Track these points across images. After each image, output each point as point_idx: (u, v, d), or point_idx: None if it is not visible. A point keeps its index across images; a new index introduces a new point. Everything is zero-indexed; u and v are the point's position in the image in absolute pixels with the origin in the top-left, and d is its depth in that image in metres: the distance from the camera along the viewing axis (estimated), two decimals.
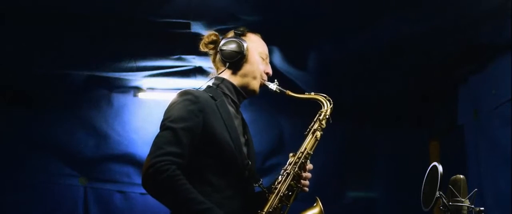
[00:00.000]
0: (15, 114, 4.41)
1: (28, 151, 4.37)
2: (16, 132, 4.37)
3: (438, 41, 3.55)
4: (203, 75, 4.13)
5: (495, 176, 3.59)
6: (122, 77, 4.29)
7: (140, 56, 3.93)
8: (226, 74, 2.14)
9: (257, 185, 2.04)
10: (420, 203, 2.13)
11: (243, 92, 2.14)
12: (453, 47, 3.64)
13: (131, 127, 4.57)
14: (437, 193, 2.00)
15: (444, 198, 2.01)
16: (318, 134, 2.12)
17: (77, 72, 4.23)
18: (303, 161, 2.06)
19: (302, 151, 2.08)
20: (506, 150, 3.42)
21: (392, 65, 3.96)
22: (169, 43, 3.72)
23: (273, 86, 2.17)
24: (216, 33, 2.20)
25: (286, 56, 3.85)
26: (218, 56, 2.16)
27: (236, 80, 2.13)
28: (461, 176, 2.03)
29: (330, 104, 2.18)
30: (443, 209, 2.02)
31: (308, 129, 2.14)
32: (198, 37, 2.24)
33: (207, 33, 2.20)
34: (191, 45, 2.46)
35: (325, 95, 2.21)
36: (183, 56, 3.89)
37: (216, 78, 2.15)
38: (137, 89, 4.57)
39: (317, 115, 2.16)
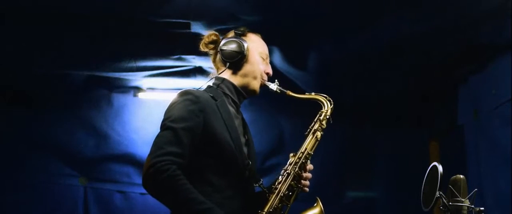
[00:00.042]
0: (15, 114, 4.41)
1: (28, 151, 4.37)
2: (16, 132, 4.37)
3: (438, 41, 3.56)
4: (203, 75, 4.13)
5: (495, 176, 3.59)
6: (122, 77, 4.29)
7: (140, 56, 3.93)
8: (227, 74, 2.14)
9: (257, 185, 2.04)
10: (420, 203, 2.13)
11: (243, 92, 2.14)
12: (453, 47, 3.64)
13: (131, 127, 4.57)
14: (437, 193, 2.00)
15: (444, 198, 2.01)
16: (319, 134, 2.12)
17: (77, 72, 4.23)
18: (303, 161, 2.06)
19: (302, 151, 2.08)
20: (506, 150, 3.42)
21: (392, 65, 3.96)
22: (169, 43, 3.72)
23: (274, 86, 2.17)
24: (216, 33, 2.20)
25: (286, 56, 3.85)
26: (218, 56, 2.16)
27: (236, 80, 2.13)
28: (461, 176, 2.03)
29: (331, 104, 2.18)
30: (443, 209, 2.02)
31: (309, 129, 2.14)
32: (198, 37, 2.24)
33: (207, 33, 2.20)
34: (191, 45, 2.46)
35: (325, 95, 2.21)
36: (183, 56, 3.89)
37: (217, 78, 2.15)
38: (137, 89, 4.57)
39: (318, 115, 2.16)
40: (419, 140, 4.82)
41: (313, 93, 2.22)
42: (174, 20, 3.40)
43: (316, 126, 2.14)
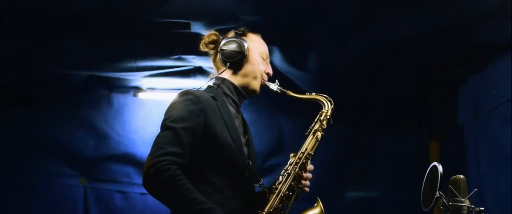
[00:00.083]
0: (15, 114, 4.42)
1: (28, 151, 4.37)
2: (16, 132, 4.37)
3: (438, 41, 3.56)
4: (203, 75, 4.13)
5: (495, 176, 3.59)
6: (122, 77, 4.29)
7: (140, 56, 3.93)
8: (227, 74, 2.14)
9: (257, 185, 2.04)
10: (420, 203, 2.13)
11: (243, 92, 2.13)
12: (453, 47, 3.64)
13: (131, 127, 4.57)
14: (437, 193, 2.00)
15: (444, 198, 2.01)
16: (319, 134, 2.12)
17: (77, 72, 4.23)
18: (303, 161, 2.06)
19: (303, 151, 2.08)
20: (506, 150, 3.42)
21: (392, 65, 3.96)
22: (169, 43, 3.72)
23: (274, 86, 2.17)
24: (217, 33, 2.20)
25: (286, 56, 3.85)
26: (218, 56, 2.16)
27: (236, 80, 2.13)
28: (461, 176, 2.03)
29: (331, 105, 2.18)
30: (443, 209, 2.02)
31: (309, 129, 2.14)
32: (198, 37, 2.24)
33: (208, 33, 2.20)
34: (191, 45, 2.46)
35: (326, 95, 2.21)
36: (183, 56, 3.89)
37: (217, 78, 2.15)
38: (137, 89, 4.57)
39: (318, 115, 2.16)
40: (419, 140, 4.83)
41: (313, 94, 2.22)
42: (174, 20, 3.40)
43: (316, 126, 2.13)
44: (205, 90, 2.07)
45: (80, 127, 4.50)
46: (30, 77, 4.20)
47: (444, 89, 4.32)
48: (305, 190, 2.07)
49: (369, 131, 4.89)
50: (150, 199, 1.99)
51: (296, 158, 2.07)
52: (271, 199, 1.99)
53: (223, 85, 2.11)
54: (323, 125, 2.14)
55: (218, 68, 2.18)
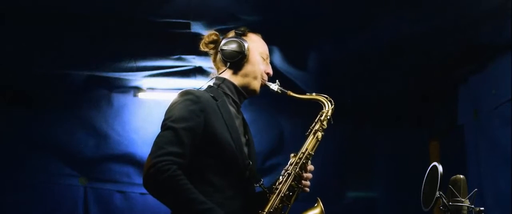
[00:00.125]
0: (15, 114, 4.42)
1: (28, 151, 4.37)
2: (16, 132, 4.37)
3: (438, 41, 3.56)
4: (203, 75, 4.13)
5: (495, 176, 3.59)
6: (122, 77, 4.29)
7: (140, 56, 3.93)
8: (227, 74, 2.14)
9: (258, 185, 2.04)
10: (420, 203, 2.13)
11: (244, 92, 2.13)
12: (453, 47, 3.64)
13: (131, 127, 4.57)
14: (437, 193, 2.00)
15: (444, 198, 2.01)
16: (319, 134, 2.12)
17: (77, 72, 4.23)
18: (304, 161, 2.06)
19: (303, 151, 2.08)
20: (506, 150, 3.42)
21: (392, 65, 3.97)
22: (169, 43, 3.72)
23: (275, 86, 2.17)
24: (217, 33, 2.20)
25: (286, 56, 3.85)
26: (218, 56, 2.16)
27: (237, 80, 2.12)
28: (461, 176, 2.03)
29: (332, 105, 2.18)
30: (443, 209, 2.02)
31: (309, 130, 2.14)
32: (198, 37, 2.24)
33: (208, 33, 2.20)
34: (191, 45, 2.47)
35: (326, 96, 2.21)
36: (183, 56, 3.89)
37: (217, 78, 2.15)
38: (137, 89, 4.57)
39: (318, 116, 2.16)
40: (419, 140, 4.83)
41: (314, 94, 2.22)
42: (174, 20, 3.40)
43: (317, 126, 2.13)
44: (206, 90, 2.07)
45: (80, 127, 4.50)
46: (30, 77, 4.20)
47: (444, 89, 4.32)
48: (305, 190, 2.07)
49: (369, 131, 4.89)
50: (150, 199, 1.99)
51: (297, 158, 2.07)
52: (271, 199, 1.99)
53: (223, 85, 2.11)
54: (323, 125, 2.14)
55: (218, 68, 2.18)
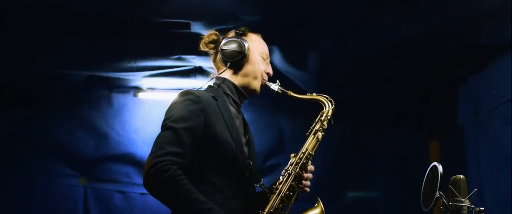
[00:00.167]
0: (15, 114, 4.42)
1: (28, 151, 4.37)
2: (16, 132, 4.37)
3: (438, 41, 3.56)
4: (203, 75, 4.13)
5: (495, 176, 3.59)
6: (122, 77, 4.29)
7: (140, 56, 3.93)
8: (227, 74, 2.14)
9: (258, 185, 2.04)
10: (420, 203, 2.13)
11: (244, 92, 2.13)
12: (453, 47, 3.64)
13: (131, 127, 4.57)
14: (437, 193, 2.00)
15: (444, 198, 2.01)
16: (320, 134, 2.12)
17: (77, 72, 4.23)
18: (304, 161, 2.06)
19: (303, 151, 2.08)
20: (506, 150, 3.42)
21: (392, 65, 3.97)
22: (169, 43, 3.72)
23: (275, 87, 2.17)
24: (217, 32, 2.20)
25: (286, 56, 3.85)
26: (218, 56, 2.16)
27: (237, 80, 2.12)
28: (461, 176, 2.03)
29: (332, 105, 2.18)
30: (443, 209, 2.02)
31: (310, 130, 2.14)
32: (198, 37, 2.24)
33: (208, 33, 2.20)
34: (191, 45, 2.46)
35: (327, 96, 2.21)
36: (183, 56, 3.89)
37: (217, 78, 2.15)
38: (137, 89, 4.57)
39: (319, 116, 2.16)
40: (419, 140, 4.83)
41: (314, 94, 2.22)
42: (174, 20, 3.40)
43: (317, 127, 2.13)
44: (206, 90, 2.07)
45: (80, 127, 4.50)
46: (30, 77, 4.20)
47: (444, 89, 4.32)
48: (305, 190, 2.07)
49: (369, 131, 4.89)
50: (150, 199, 1.99)
51: (297, 158, 2.07)
52: (271, 199, 1.99)
53: (223, 85, 2.11)
54: (324, 125, 2.14)
55: (218, 68, 2.18)
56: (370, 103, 4.62)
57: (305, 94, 2.22)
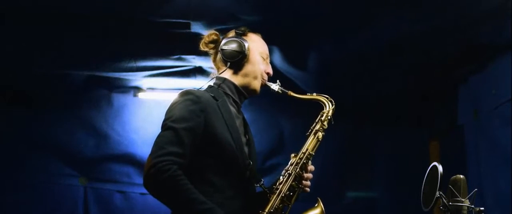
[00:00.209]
0: (15, 114, 4.42)
1: (28, 151, 4.37)
2: (16, 132, 4.37)
3: (438, 41, 3.56)
4: (203, 75, 4.13)
5: (495, 176, 3.59)
6: (122, 77, 4.29)
7: (140, 56, 3.93)
8: (227, 74, 2.14)
9: (258, 185, 2.04)
10: (420, 203, 2.13)
11: (244, 92, 2.13)
12: (453, 47, 3.64)
13: (131, 127, 4.57)
14: (437, 193, 2.00)
15: (444, 198, 2.01)
16: (320, 134, 2.12)
17: (77, 72, 4.23)
18: (304, 161, 2.06)
19: (303, 151, 2.08)
20: (506, 150, 3.42)
21: (392, 65, 3.97)
22: (169, 43, 3.72)
23: (275, 87, 2.17)
24: (217, 32, 2.20)
25: (286, 56, 3.85)
26: (218, 55, 2.16)
27: (237, 80, 2.12)
28: (461, 176, 2.03)
29: (332, 105, 2.18)
30: (443, 209, 2.02)
31: (310, 130, 2.14)
32: (198, 37, 2.24)
33: (208, 33, 2.20)
34: (191, 45, 2.46)
35: (327, 96, 2.21)
36: (183, 56, 3.89)
37: (217, 78, 2.15)
38: (137, 89, 4.57)
39: (319, 116, 2.16)
40: (419, 140, 4.83)
41: (314, 94, 2.22)
42: (174, 20, 3.40)
43: (317, 127, 2.13)
44: (206, 90, 2.07)
45: (80, 127, 4.50)
46: (30, 77, 4.20)
47: (444, 89, 4.32)
48: (305, 190, 2.07)
49: (369, 131, 4.89)
50: (150, 199, 1.99)
51: (297, 158, 2.07)
52: (272, 199, 1.99)
53: (223, 85, 2.11)
54: (324, 125, 2.14)
55: (218, 68, 2.18)
56: (370, 103, 4.62)
57: (305, 94, 2.22)
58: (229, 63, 2.12)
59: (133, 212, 4.50)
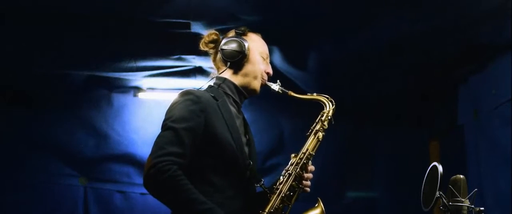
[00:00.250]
0: (15, 114, 4.42)
1: (28, 151, 4.37)
2: (16, 132, 4.37)
3: (438, 41, 3.56)
4: (203, 75, 4.14)
5: (495, 176, 3.59)
6: (122, 77, 4.29)
7: (140, 56, 3.93)
8: (227, 74, 2.14)
9: (258, 185, 2.04)
10: (420, 203, 2.13)
11: (244, 92, 2.13)
12: (453, 47, 3.64)
13: (131, 127, 4.57)
14: (437, 193, 2.00)
15: (444, 198, 2.01)
16: (320, 134, 2.11)
17: (77, 72, 4.23)
18: (305, 161, 2.06)
19: (304, 151, 2.08)
20: (506, 150, 3.42)
21: (392, 65, 3.97)
22: (169, 43, 3.72)
23: (276, 87, 2.17)
24: (217, 32, 2.20)
25: (286, 56, 3.85)
26: (218, 55, 2.16)
27: (237, 80, 2.12)
28: (461, 176, 2.03)
29: (332, 105, 2.18)
30: (443, 209, 2.02)
31: (310, 130, 2.14)
32: (198, 37, 2.24)
33: (208, 33, 2.20)
34: (191, 45, 2.46)
35: (327, 96, 2.21)
36: (183, 56, 3.89)
37: (218, 78, 2.14)
38: (137, 89, 4.57)
39: (319, 116, 2.16)
40: (419, 140, 4.83)
41: (315, 94, 2.22)
42: (174, 20, 3.40)
43: (317, 127, 2.13)
44: (206, 90, 2.07)
45: (80, 127, 4.50)
46: (30, 77, 4.20)
47: (444, 89, 4.32)
48: (306, 190, 2.06)
49: (369, 131, 4.89)
50: (150, 199, 1.99)
51: (297, 158, 2.07)
52: (272, 199, 1.99)
53: (224, 85, 2.11)
54: (324, 125, 2.14)
55: (218, 68, 2.18)
56: (370, 103, 4.63)
57: (305, 94, 2.21)
58: (229, 63, 2.11)
59: (133, 212, 4.50)
